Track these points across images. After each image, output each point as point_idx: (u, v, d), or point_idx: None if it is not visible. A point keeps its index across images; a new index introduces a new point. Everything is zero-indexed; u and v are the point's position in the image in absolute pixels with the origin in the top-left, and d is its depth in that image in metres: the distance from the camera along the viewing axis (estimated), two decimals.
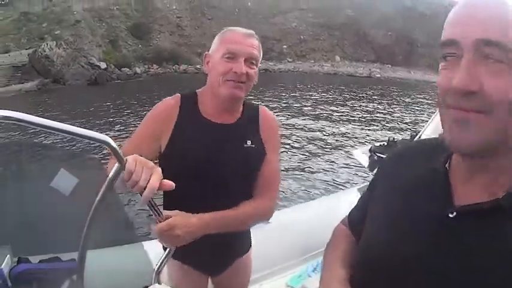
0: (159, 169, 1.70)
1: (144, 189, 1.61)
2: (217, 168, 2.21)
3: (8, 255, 2.01)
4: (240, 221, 2.27)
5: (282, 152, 14.94)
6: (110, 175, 1.72)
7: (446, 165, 1.17)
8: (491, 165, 1.04)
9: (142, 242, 2.96)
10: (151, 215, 1.88)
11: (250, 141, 2.31)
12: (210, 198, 2.19)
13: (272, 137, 2.42)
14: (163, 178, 2.05)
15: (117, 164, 1.67)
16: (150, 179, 1.63)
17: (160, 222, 1.90)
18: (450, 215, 1.06)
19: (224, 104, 2.28)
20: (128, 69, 42.77)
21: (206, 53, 2.34)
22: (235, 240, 2.50)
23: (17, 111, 1.32)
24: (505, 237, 0.97)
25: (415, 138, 7.11)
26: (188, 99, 2.35)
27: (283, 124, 20.10)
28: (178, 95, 2.37)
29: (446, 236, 1.06)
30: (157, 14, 51.72)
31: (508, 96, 0.93)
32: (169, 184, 1.69)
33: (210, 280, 2.63)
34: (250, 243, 2.71)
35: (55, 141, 14.68)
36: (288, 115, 23.94)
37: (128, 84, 38.23)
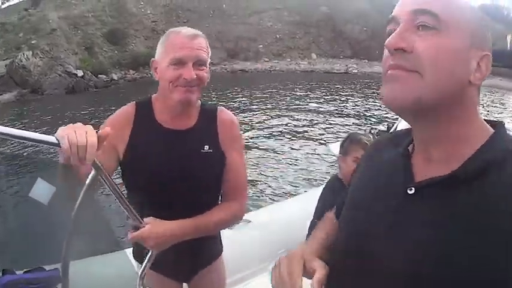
0: (89, 126, 1.66)
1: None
2: (175, 176, 2.19)
3: None
4: (212, 227, 2.27)
5: None
6: (87, 182, 1.76)
7: (409, 147, 1.26)
8: (441, 135, 1.13)
9: (125, 249, 2.99)
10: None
11: (207, 146, 2.27)
12: (173, 205, 2.19)
13: (232, 137, 2.38)
14: (126, 186, 2.09)
15: (93, 172, 1.73)
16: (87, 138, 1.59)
17: (137, 228, 1.95)
18: (409, 192, 1.12)
19: (177, 109, 2.24)
20: (104, 76, 41.90)
21: (153, 59, 2.26)
22: (204, 247, 2.46)
23: None
24: (462, 208, 1.02)
25: (391, 129, 7.22)
26: (144, 105, 2.32)
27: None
28: (134, 102, 2.34)
29: (406, 212, 1.12)
30: (132, 19, 51.15)
31: (437, 56, 1.04)
32: (106, 131, 1.67)
33: (186, 286, 2.59)
34: (221, 248, 2.68)
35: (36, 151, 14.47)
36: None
37: (106, 91, 37.55)
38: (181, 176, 2.18)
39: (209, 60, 2.26)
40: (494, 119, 1.21)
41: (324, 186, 3.66)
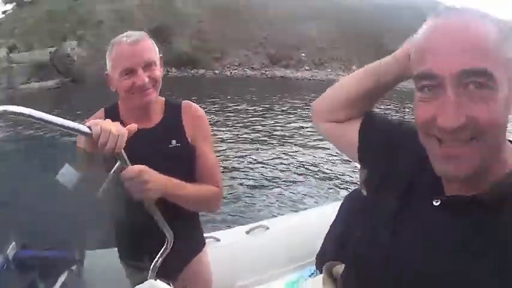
0: (117, 122, 1.75)
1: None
2: None
3: (13, 243, 2.05)
4: (194, 194, 2.25)
5: None
6: (111, 172, 1.79)
7: None
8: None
9: None
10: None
11: (175, 141, 2.30)
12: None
13: (199, 128, 2.39)
14: None
15: (118, 162, 1.79)
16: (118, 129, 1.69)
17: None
18: (435, 203, 1.08)
19: (140, 111, 2.28)
20: None
21: (106, 73, 2.30)
22: (187, 242, 2.43)
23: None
24: (478, 230, 0.99)
25: None
26: (111, 110, 2.38)
27: None
28: (103, 108, 2.40)
29: (425, 223, 1.09)
30: (178, 17, 51.55)
31: (497, 120, 0.93)
32: (134, 126, 1.77)
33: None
34: (204, 240, 2.69)
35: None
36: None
37: None
38: None
39: (158, 56, 2.29)
40: None
41: (344, 199, 3.59)
